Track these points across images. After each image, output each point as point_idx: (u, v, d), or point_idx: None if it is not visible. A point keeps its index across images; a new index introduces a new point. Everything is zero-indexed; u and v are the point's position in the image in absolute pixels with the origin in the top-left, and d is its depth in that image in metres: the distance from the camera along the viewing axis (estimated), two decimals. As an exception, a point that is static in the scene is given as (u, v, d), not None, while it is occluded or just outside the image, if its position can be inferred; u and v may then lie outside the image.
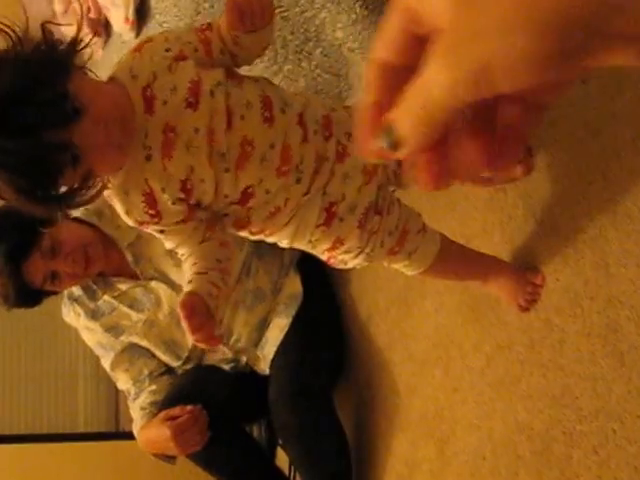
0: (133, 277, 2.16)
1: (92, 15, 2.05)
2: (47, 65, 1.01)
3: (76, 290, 2.19)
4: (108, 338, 2.17)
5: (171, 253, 2.10)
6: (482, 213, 1.63)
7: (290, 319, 2.13)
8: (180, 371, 2.23)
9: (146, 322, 2.15)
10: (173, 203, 1.14)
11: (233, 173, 1.16)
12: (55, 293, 2.01)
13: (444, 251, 1.37)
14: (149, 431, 2.03)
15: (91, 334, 2.20)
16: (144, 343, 2.16)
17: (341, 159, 1.24)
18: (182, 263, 1.25)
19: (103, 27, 2.08)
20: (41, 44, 1.02)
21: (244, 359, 2.23)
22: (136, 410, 2.13)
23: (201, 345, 1.17)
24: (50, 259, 1.88)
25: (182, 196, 1.14)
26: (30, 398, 3.32)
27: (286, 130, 1.19)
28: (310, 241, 1.28)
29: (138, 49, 1.15)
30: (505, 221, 1.54)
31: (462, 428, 1.65)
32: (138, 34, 1.91)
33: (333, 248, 1.29)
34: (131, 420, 2.17)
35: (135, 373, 2.18)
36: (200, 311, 1.13)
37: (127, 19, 1.89)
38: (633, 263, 1.20)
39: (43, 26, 1.04)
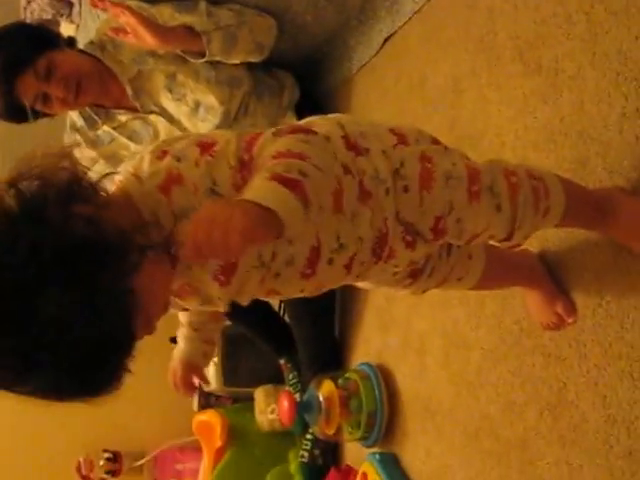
0: (133, 110, 2.22)
1: None
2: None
3: (77, 120, 2.26)
4: (106, 167, 2.25)
5: (170, 87, 2.16)
6: (472, 54, 1.66)
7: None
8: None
9: (144, 153, 2.22)
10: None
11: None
12: (48, 115, 2.08)
13: (486, 272, 1.27)
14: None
15: (91, 163, 2.28)
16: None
17: (386, 261, 1.07)
18: None
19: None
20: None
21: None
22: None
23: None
24: (43, 81, 1.95)
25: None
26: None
27: (326, 277, 1.02)
28: None
29: (165, 193, 0.89)
30: (493, 63, 1.58)
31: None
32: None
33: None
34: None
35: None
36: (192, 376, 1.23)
37: None
38: (606, 101, 1.25)
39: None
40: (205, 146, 0.92)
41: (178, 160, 0.90)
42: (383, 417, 1.86)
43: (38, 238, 0.77)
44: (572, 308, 1.29)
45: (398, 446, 1.84)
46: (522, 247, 1.30)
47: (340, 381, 1.94)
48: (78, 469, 3.19)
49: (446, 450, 1.63)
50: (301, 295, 1.06)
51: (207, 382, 1.34)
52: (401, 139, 1.05)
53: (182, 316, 1.19)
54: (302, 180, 0.81)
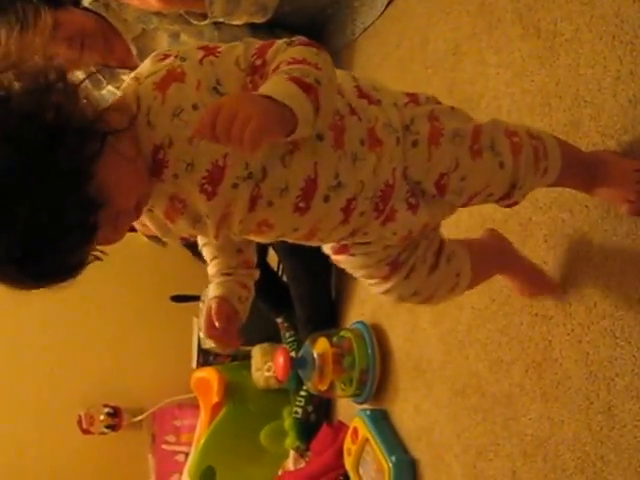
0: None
1: None
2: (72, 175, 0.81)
3: (82, 79, 2.27)
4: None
5: (173, 47, 2.17)
6: (473, 17, 1.67)
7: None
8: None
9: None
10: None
11: (244, 236, 1.04)
12: None
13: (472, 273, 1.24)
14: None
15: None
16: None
17: (384, 224, 1.05)
18: (199, 247, 1.15)
19: None
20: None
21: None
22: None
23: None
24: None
25: (179, 242, 1.07)
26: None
27: (321, 218, 0.99)
28: None
29: (162, 88, 0.88)
30: (494, 25, 1.59)
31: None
32: None
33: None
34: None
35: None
36: (230, 320, 1.07)
37: None
38: (601, 64, 1.25)
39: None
40: (208, 48, 0.93)
41: (182, 60, 0.91)
42: (375, 375, 1.89)
43: (4, 119, 0.79)
44: (553, 285, 1.30)
45: (388, 403, 1.88)
46: (495, 234, 1.35)
47: (335, 339, 1.97)
48: (79, 423, 3.24)
49: (434, 406, 1.66)
50: (295, 236, 1.02)
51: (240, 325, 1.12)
52: (412, 99, 1.07)
53: (211, 268, 1.13)
54: (317, 87, 0.85)
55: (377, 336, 1.94)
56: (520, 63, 1.48)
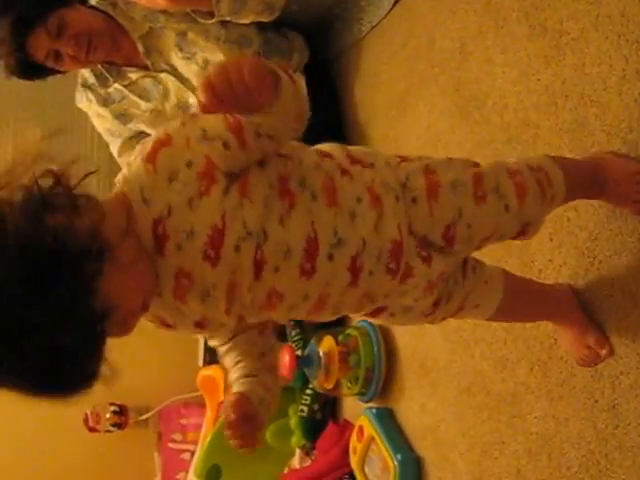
0: (144, 68, 2.24)
1: None
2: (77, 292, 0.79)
3: (89, 77, 2.28)
4: (117, 125, 2.28)
5: (180, 45, 2.18)
6: (479, 16, 1.67)
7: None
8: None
9: (153, 112, 2.25)
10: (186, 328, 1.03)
11: (255, 314, 1.00)
12: (59, 72, 2.11)
13: (507, 302, 1.19)
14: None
15: (101, 120, 2.31)
16: (150, 131, 2.27)
17: (403, 280, 1.03)
18: (220, 356, 1.14)
19: None
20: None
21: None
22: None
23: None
24: (55, 38, 1.97)
25: (196, 330, 1.02)
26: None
27: (328, 280, 0.97)
28: None
29: (151, 160, 0.89)
30: (500, 24, 1.59)
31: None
32: None
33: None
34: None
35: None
36: (249, 418, 1.04)
37: None
38: (607, 63, 1.26)
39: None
40: (187, 115, 0.96)
41: (164, 129, 0.92)
42: (381, 373, 1.90)
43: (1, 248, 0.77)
44: (604, 339, 1.21)
45: (394, 401, 1.89)
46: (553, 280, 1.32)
47: (340, 337, 1.98)
48: (85, 421, 3.25)
49: (440, 405, 1.67)
50: (306, 306, 0.99)
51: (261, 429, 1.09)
52: (404, 158, 1.07)
53: (233, 372, 1.12)
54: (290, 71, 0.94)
55: (383, 334, 1.94)
56: (526, 62, 1.48)
